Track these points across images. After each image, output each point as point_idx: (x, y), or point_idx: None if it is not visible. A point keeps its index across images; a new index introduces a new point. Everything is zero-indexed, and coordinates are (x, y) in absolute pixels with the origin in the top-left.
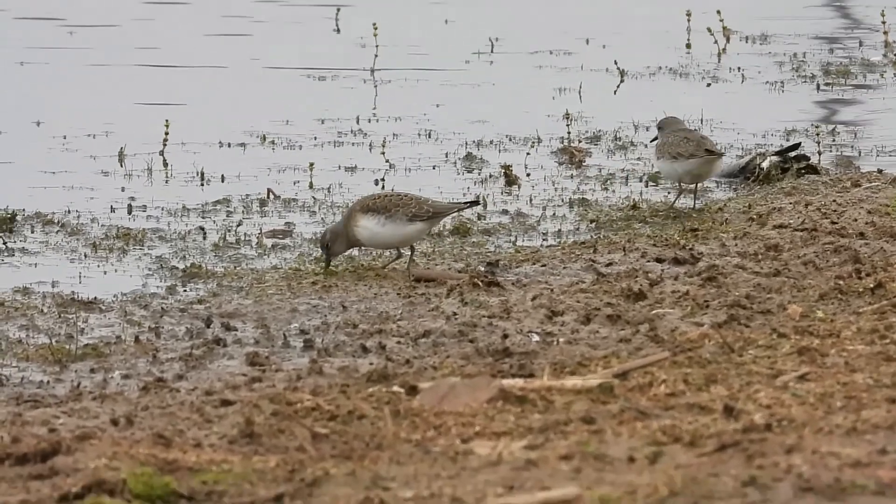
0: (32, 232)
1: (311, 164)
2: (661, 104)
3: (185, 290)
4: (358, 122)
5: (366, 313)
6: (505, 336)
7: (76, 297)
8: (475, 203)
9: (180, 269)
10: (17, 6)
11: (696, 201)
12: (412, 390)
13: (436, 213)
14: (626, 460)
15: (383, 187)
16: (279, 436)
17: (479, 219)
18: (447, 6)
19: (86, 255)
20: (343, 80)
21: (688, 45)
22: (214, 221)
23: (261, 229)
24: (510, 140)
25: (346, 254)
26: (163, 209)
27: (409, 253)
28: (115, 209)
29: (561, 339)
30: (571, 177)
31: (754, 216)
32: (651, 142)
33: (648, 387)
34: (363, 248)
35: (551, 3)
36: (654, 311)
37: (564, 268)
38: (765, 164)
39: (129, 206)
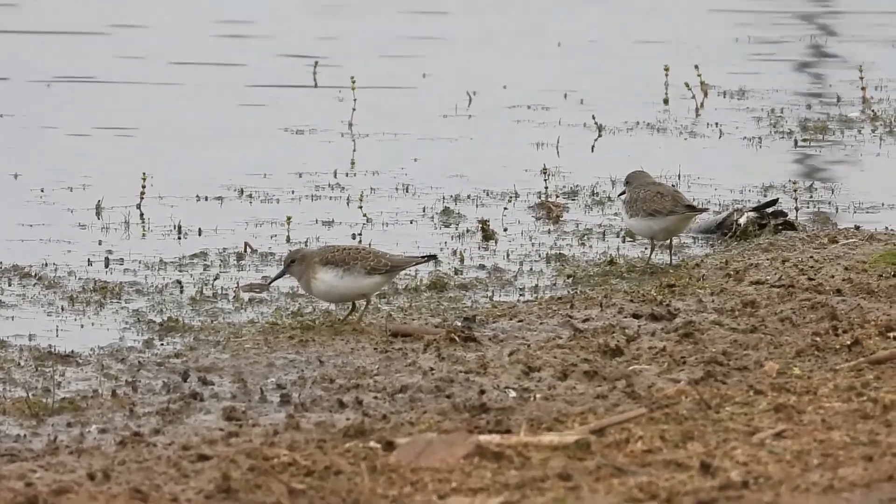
0: (9, 285)
1: (289, 218)
2: (638, 159)
3: (162, 344)
4: (335, 176)
5: (343, 368)
6: (482, 392)
7: (53, 350)
8: (432, 258)
9: (157, 322)
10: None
11: (673, 257)
12: (389, 446)
13: (393, 266)
14: None
15: (360, 242)
16: (256, 491)
17: (455, 273)
18: (426, 60)
19: (63, 309)
20: (321, 133)
21: (665, 100)
22: (191, 275)
23: (238, 283)
24: (487, 195)
25: (322, 307)
26: (140, 263)
27: (364, 306)
28: (92, 262)
29: (538, 395)
30: (549, 232)
31: (731, 272)
32: (619, 196)
33: (625, 443)
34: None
35: (529, 57)
36: (630, 368)
37: (541, 323)
38: (742, 220)
39: (107, 259)
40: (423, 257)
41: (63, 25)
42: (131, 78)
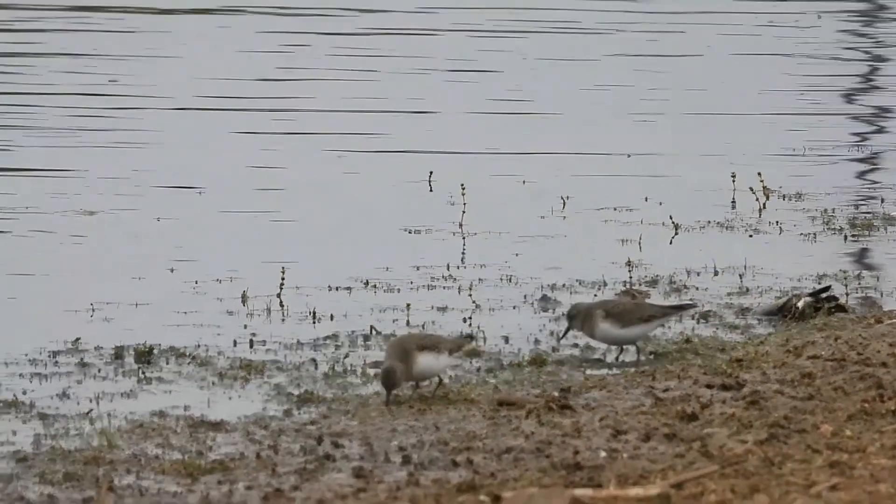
0: (167, 363)
1: (408, 305)
2: (710, 253)
3: (299, 413)
4: (448, 269)
5: (455, 433)
6: (576, 452)
7: (205, 419)
8: (472, 337)
9: (295, 395)
10: (157, 168)
11: (738, 337)
12: (496, 499)
13: (459, 346)
14: None
15: (470, 325)
16: None
17: (553, 351)
18: (525, 170)
19: (213, 383)
20: (435, 232)
21: (733, 203)
22: (325, 354)
23: (365, 361)
24: (580, 283)
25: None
26: (280, 343)
27: (441, 380)
28: (238, 343)
29: (625, 455)
30: None
31: (791, 349)
32: (564, 336)
33: (700, 495)
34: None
35: (613, 169)
36: (704, 431)
37: (627, 393)
38: (800, 304)
39: (251, 341)
40: (465, 337)
41: (193, 134)
42: (270, 188)
